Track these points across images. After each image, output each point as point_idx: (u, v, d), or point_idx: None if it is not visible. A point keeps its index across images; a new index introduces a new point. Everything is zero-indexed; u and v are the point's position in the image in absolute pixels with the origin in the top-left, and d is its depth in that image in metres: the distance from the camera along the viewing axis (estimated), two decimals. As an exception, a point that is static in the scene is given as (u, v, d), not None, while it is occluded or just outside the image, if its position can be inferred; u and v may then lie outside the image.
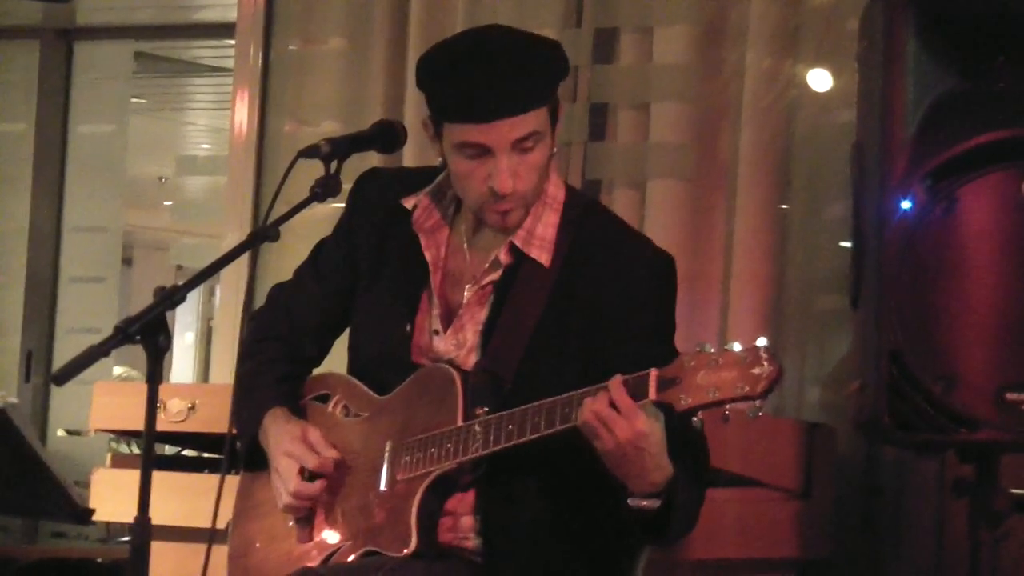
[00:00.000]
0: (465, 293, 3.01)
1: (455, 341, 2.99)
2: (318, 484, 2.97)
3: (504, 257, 2.99)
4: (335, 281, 3.17)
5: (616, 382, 2.66)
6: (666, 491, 2.75)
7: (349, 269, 3.15)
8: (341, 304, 3.17)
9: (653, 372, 2.63)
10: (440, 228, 3.07)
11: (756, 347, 2.57)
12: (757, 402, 2.56)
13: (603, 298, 2.94)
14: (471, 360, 2.96)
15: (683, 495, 2.78)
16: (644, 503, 2.75)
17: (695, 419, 2.63)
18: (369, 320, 3.10)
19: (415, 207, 3.07)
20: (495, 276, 2.99)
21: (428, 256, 3.05)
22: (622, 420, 2.65)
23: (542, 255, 2.97)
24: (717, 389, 2.57)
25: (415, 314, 3.04)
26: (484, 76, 2.83)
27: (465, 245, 3.06)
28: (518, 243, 2.97)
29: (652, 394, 2.62)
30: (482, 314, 2.99)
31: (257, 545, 3.09)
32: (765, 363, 2.55)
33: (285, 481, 2.98)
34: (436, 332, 3.02)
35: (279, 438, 3.01)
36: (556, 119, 2.94)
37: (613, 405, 2.65)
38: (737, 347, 2.59)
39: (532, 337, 2.93)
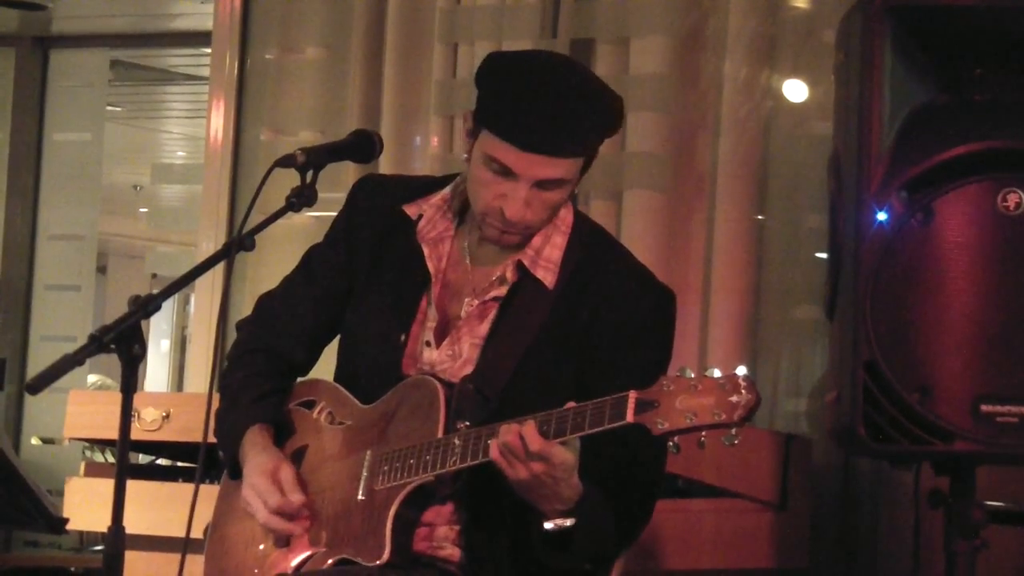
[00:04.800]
0: (464, 306, 3.02)
1: (450, 352, 3.00)
2: (289, 524, 2.97)
3: (510, 275, 2.99)
4: (330, 284, 3.16)
5: (529, 427, 2.68)
6: (577, 509, 2.77)
7: (346, 272, 3.14)
8: (335, 307, 3.15)
9: (632, 394, 2.63)
10: (443, 240, 3.07)
11: (735, 375, 2.58)
12: (733, 430, 2.58)
13: (600, 327, 2.95)
14: (465, 373, 2.96)
15: (594, 513, 2.81)
16: (560, 522, 2.77)
17: (671, 443, 2.64)
18: (364, 326, 3.10)
19: (419, 217, 3.07)
20: (500, 292, 3.00)
21: (431, 267, 3.05)
22: (534, 461, 2.68)
23: (547, 276, 2.99)
24: (694, 415, 2.57)
25: (411, 324, 3.04)
26: (547, 108, 2.84)
27: (467, 258, 3.06)
28: (526, 262, 2.99)
29: (630, 416, 2.61)
30: (482, 328, 2.99)
31: (235, 547, 3.09)
32: (743, 391, 2.55)
33: (255, 512, 2.98)
34: (428, 343, 3.02)
35: (250, 468, 3.01)
36: (588, 168, 2.96)
37: (524, 443, 2.68)
38: (717, 373, 2.60)
39: (524, 357, 2.94)
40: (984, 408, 3.24)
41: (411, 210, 3.08)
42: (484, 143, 2.89)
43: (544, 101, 2.84)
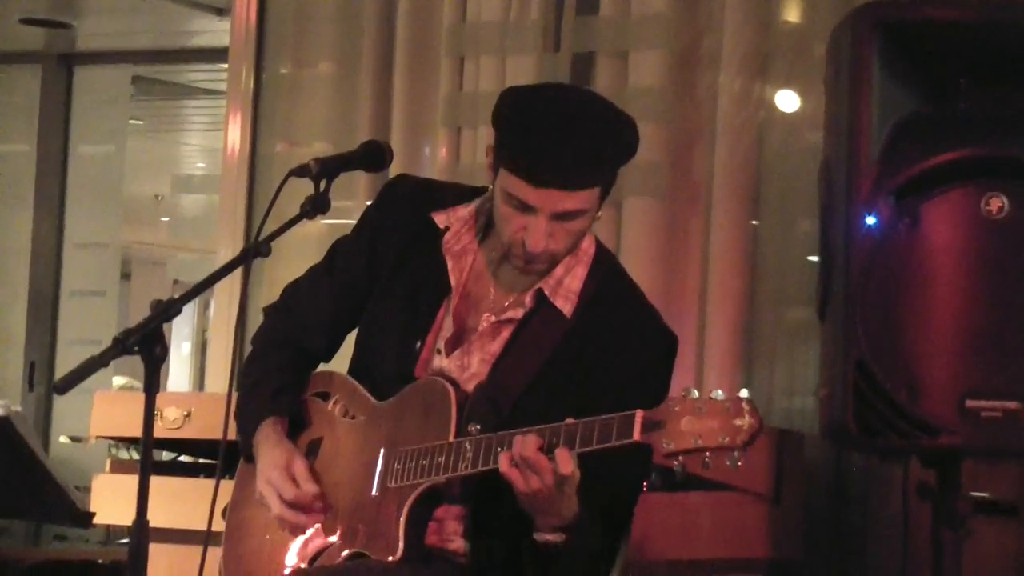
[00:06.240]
0: (481, 320, 3.05)
1: (459, 363, 3.02)
2: (303, 517, 3.02)
3: (529, 301, 3.02)
4: (351, 279, 3.17)
5: (531, 440, 2.74)
6: (571, 526, 2.82)
7: (368, 269, 3.15)
8: (354, 301, 3.17)
9: (639, 413, 2.65)
10: (467, 252, 3.09)
11: (739, 398, 2.60)
12: (736, 452, 2.59)
13: (605, 361, 2.98)
14: (471, 387, 2.98)
15: (585, 533, 2.86)
16: (550, 537, 2.83)
17: (675, 463, 2.66)
18: (381, 329, 3.12)
19: (447, 228, 3.09)
20: (516, 315, 3.03)
21: (453, 280, 3.06)
22: (541, 474, 2.73)
23: (566, 306, 3.01)
24: (700, 437, 2.59)
25: (428, 333, 3.07)
26: (559, 145, 2.83)
27: (489, 274, 3.09)
28: (546, 291, 3.01)
29: (636, 435, 2.64)
30: (494, 347, 3.02)
31: (252, 532, 3.14)
32: (747, 415, 2.58)
33: (271, 505, 3.03)
34: (439, 351, 3.05)
35: (264, 462, 3.05)
36: (607, 194, 2.97)
37: (555, 466, 2.72)
38: (720, 395, 2.62)
39: (534, 378, 2.97)
40: (969, 404, 3.29)
41: (440, 219, 3.10)
42: (502, 179, 2.90)
43: (556, 137, 2.84)
